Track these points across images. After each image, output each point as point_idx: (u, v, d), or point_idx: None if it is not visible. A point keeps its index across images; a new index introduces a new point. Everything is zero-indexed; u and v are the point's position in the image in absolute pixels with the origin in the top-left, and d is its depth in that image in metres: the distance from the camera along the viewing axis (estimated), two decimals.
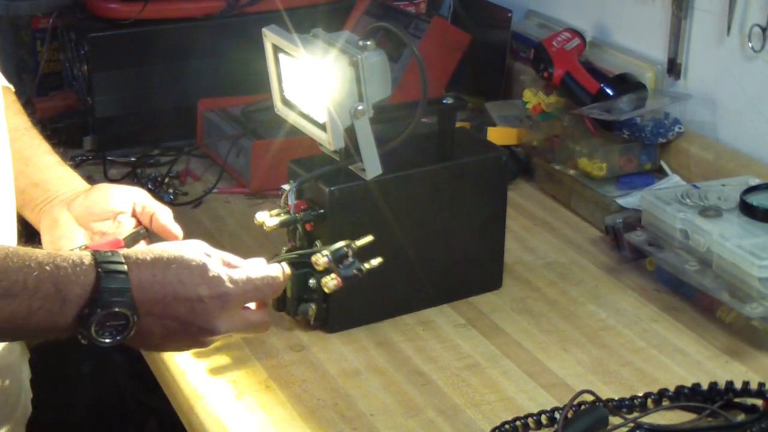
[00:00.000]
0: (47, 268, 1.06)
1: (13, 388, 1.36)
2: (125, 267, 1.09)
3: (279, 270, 1.21)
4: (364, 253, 1.28)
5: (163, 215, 1.40)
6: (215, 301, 1.13)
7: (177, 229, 1.39)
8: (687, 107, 1.77)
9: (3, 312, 1.04)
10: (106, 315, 1.07)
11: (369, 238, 1.29)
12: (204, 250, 1.16)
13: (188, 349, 1.25)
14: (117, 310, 1.07)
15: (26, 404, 1.42)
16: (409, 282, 1.43)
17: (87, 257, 1.08)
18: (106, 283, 1.07)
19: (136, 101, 1.96)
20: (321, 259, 1.26)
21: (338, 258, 1.26)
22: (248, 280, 1.17)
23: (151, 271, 1.10)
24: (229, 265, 1.18)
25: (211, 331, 1.14)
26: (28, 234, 1.40)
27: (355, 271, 1.27)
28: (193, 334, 1.14)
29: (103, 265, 1.08)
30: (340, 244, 1.27)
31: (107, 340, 1.09)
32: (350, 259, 1.27)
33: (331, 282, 1.27)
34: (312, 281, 1.37)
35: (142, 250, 1.13)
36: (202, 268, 1.13)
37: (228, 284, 1.14)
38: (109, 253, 1.10)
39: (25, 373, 1.43)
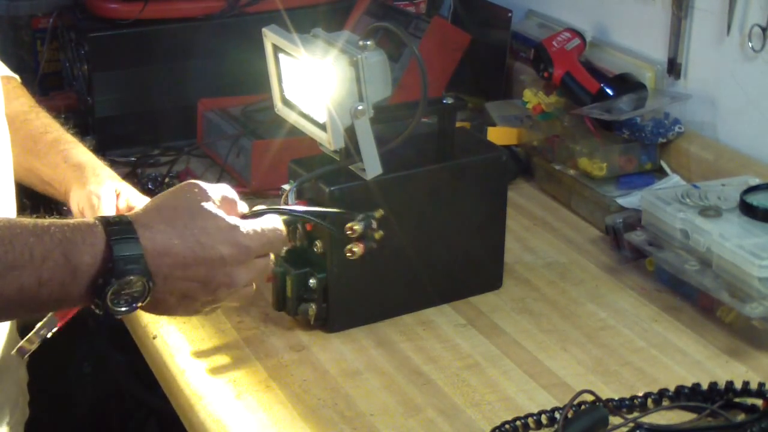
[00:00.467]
0: (56, 236, 1.03)
1: (10, 391, 1.36)
2: (135, 232, 1.06)
3: (279, 221, 1.21)
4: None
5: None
6: (236, 257, 1.13)
7: None
8: (687, 107, 1.77)
9: (11, 285, 1.01)
10: (121, 283, 1.05)
11: (381, 212, 1.35)
12: (206, 192, 1.14)
13: (201, 310, 1.17)
14: (132, 278, 1.05)
15: (24, 407, 1.42)
16: (409, 282, 1.43)
17: (96, 223, 1.06)
18: (119, 251, 1.04)
19: (136, 101, 1.96)
20: (357, 225, 1.33)
21: (367, 227, 1.34)
22: (262, 232, 1.16)
23: (167, 236, 1.08)
24: (231, 205, 1.17)
25: (230, 285, 1.14)
26: (32, 210, 1.39)
27: (373, 244, 1.35)
28: (212, 290, 1.13)
29: (112, 228, 1.05)
30: (363, 215, 1.34)
31: (123, 308, 1.07)
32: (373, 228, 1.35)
33: (356, 248, 1.34)
34: (312, 281, 1.37)
35: (149, 208, 1.11)
36: (219, 224, 1.12)
37: (245, 239, 1.14)
38: (117, 218, 1.07)
39: (23, 376, 1.43)
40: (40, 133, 1.47)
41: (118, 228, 1.06)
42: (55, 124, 1.50)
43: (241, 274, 1.14)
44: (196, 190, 1.14)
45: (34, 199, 1.41)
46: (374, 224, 1.34)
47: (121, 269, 1.04)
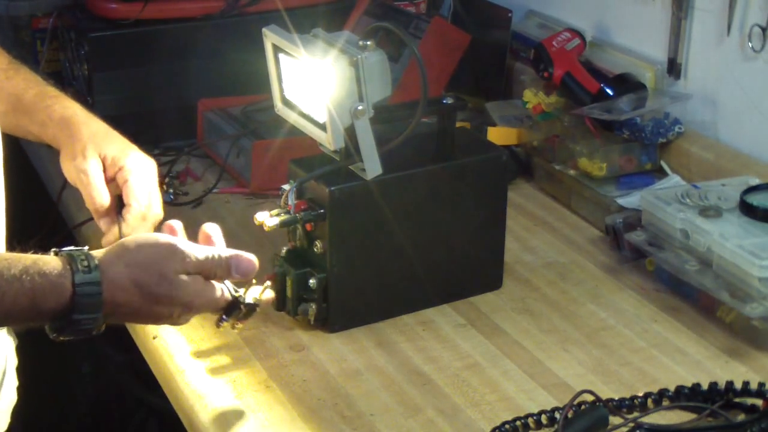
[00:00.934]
0: (26, 284, 1.10)
1: None
2: (101, 289, 1.13)
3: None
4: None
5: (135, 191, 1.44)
6: (183, 315, 1.21)
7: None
8: (687, 107, 1.77)
9: None
10: (82, 319, 1.13)
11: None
12: (182, 261, 1.18)
13: (163, 323, 1.24)
14: (84, 328, 1.13)
15: (11, 391, 1.41)
16: (409, 282, 1.43)
17: (66, 275, 1.12)
18: (80, 310, 1.12)
19: (136, 101, 1.96)
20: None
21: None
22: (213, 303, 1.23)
23: (128, 295, 1.15)
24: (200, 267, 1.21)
25: (189, 306, 1.20)
26: (20, 234, 1.40)
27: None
28: (173, 306, 1.19)
29: (79, 287, 1.12)
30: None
31: (84, 333, 1.15)
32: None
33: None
34: (312, 281, 1.37)
35: (122, 261, 1.16)
36: (179, 294, 1.18)
37: (200, 304, 1.20)
38: (86, 266, 1.13)
39: (10, 360, 1.43)
40: (22, 90, 1.51)
41: (86, 285, 1.12)
42: (36, 79, 1.54)
43: (185, 320, 1.23)
44: (175, 256, 1.19)
45: (21, 227, 1.44)
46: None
47: (78, 322, 1.13)
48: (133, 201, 1.44)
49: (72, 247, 1.16)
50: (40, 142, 1.53)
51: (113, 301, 1.14)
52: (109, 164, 1.46)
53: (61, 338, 1.14)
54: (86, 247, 1.17)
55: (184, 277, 1.18)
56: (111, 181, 1.46)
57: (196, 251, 1.20)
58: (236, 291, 1.25)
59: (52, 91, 1.52)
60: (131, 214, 1.44)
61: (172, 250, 1.18)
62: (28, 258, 1.12)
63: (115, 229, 1.44)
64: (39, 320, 1.13)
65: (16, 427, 1.48)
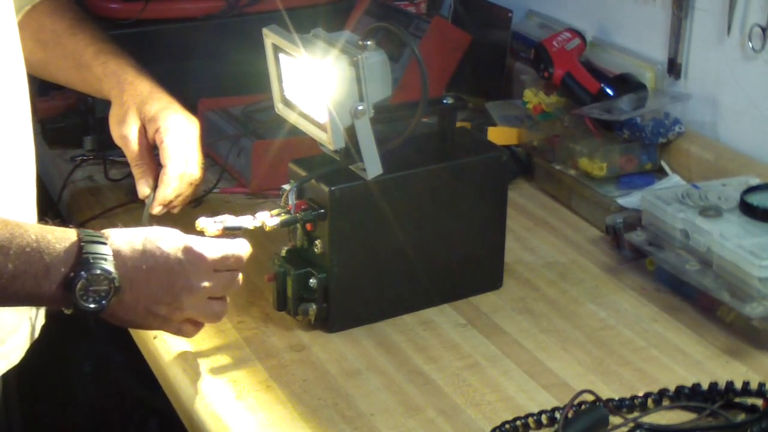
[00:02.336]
0: (32, 235, 1.14)
1: None
2: (104, 239, 1.17)
3: (243, 246, 1.29)
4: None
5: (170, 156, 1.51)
6: (192, 261, 1.23)
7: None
8: (687, 107, 1.77)
9: None
10: (89, 278, 1.14)
11: None
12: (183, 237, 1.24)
13: (170, 318, 1.26)
14: (99, 273, 1.15)
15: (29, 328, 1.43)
16: (409, 282, 1.43)
17: (71, 231, 1.17)
18: (88, 249, 1.15)
19: None
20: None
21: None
22: (219, 246, 1.26)
23: (132, 248, 1.19)
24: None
25: (191, 290, 1.23)
26: (46, 212, 1.44)
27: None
28: (175, 294, 1.22)
29: (84, 236, 1.16)
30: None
31: (92, 305, 1.15)
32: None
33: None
34: (312, 281, 1.37)
35: (125, 236, 1.21)
36: (179, 240, 1.23)
37: (201, 248, 1.24)
38: (90, 232, 1.18)
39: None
40: (83, 47, 1.60)
41: (91, 235, 1.17)
42: (97, 36, 1.63)
43: (201, 280, 1.24)
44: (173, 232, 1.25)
45: (46, 205, 1.46)
46: None
47: (90, 264, 1.15)
48: (168, 161, 1.50)
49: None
50: (101, 96, 1.61)
51: (118, 253, 1.17)
52: (148, 126, 1.53)
53: (81, 302, 1.14)
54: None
55: (198, 267, 1.23)
56: (152, 142, 1.53)
57: (211, 250, 1.25)
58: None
59: (110, 48, 1.61)
60: (167, 175, 1.49)
61: (185, 248, 1.23)
62: (38, 226, 1.18)
63: (148, 184, 1.52)
64: (49, 280, 1.14)
65: (17, 426, 1.48)
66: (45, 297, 1.15)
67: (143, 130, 1.54)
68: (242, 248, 1.29)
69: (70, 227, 1.18)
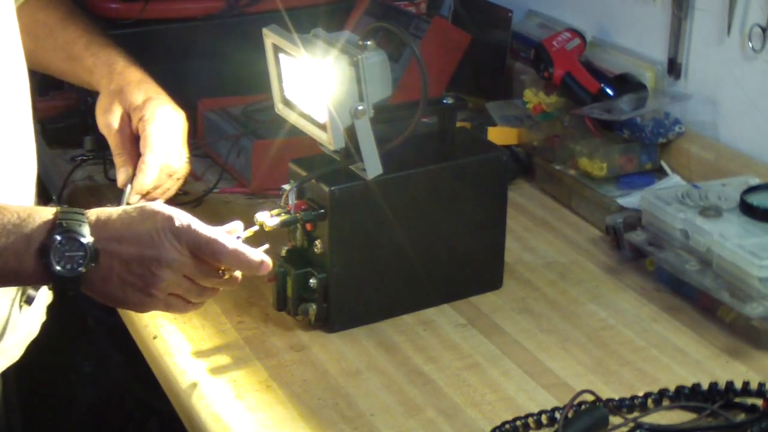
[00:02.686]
0: (12, 214, 1.15)
1: None
2: (82, 210, 1.18)
3: (257, 257, 1.24)
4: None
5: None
6: (166, 235, 1.19)
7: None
8: (687, 107, 1.77)
9: None
10: (63, 240, 1.14)
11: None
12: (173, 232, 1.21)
13: (153, 295, 1.22)
14: (73, 233, 1.15)
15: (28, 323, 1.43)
16: (409, 282, 1.43)
17: (52, 208, 1.18)
18: (64, 216, 1.16)
19: None
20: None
21: None
22: (208, 236, 1.21)
23: (110, 219, 1.18)
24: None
25: (159, 260, 1.18)
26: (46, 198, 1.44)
27: None
28: (144, 263, 1.18)
29: (63, 208, 1.18)
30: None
31: (67, 271, 1.15)
32: None
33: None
34: (312, 281, 1.37)
35: (108, 214, 1.20)
36: (163, 210, 1.20)
37: (182, 223, 1.20)
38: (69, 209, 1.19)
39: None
40: (74, 38, 1.60)
41: (70, 208, 1.18)
42: (89, 28, 1.63)
43: (172, 255, 1.19)
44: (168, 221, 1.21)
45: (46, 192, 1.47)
46: None
47: (63, 227, 1.15)
48: (147, 151, 1.49)
49: None
50: (92, 88, 1.61)
51: (97, 219, 1.17)
52: (133, 114, 1.52)
53: (57, 268, 1.14)
54: None
55: (173, 242, 1.19)
56: (135, 132, 1.52)
57: (196, 227, 1.21)
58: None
59: (101, 40, 1.61)
60: (144, 164, 1.48)
61: (165, 217, 1.20)
62: (19, 206, 1.19)
63: (126, 173, 1.50)
64: (30, 253, 1.14)
65: (17, 426, 1.48)
66: (28, 273, 1.16)
67: (127, 119, 1.53)
68: (249, 258, 1.23)
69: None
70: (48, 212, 1.17)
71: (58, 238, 1.14)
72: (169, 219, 1.19)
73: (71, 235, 1.15)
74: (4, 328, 1.34)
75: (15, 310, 1.35)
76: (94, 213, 1.19)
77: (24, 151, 1.35)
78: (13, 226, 1.15)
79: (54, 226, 1.15)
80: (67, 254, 1.15)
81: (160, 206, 1.21)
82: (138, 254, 1.18)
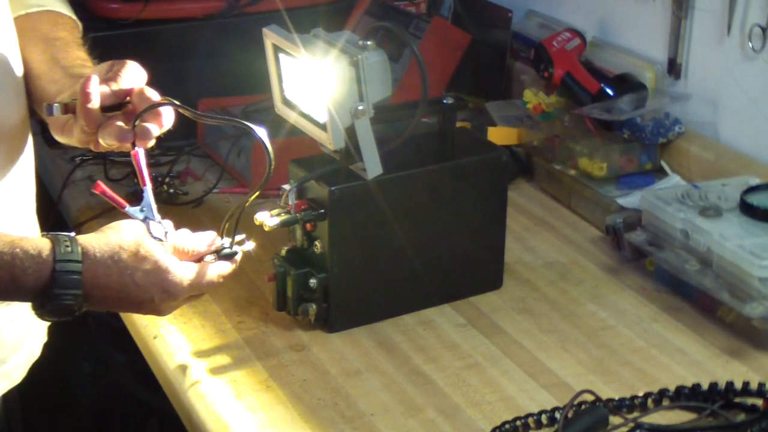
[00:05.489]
0: (5, 257, 1.12)
1: None
2: (80, 267, 1.14)
3: (227, 267, 1.24)
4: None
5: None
6: (165, 299, 1.20)
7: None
8: (687, 107, 1.77)
9: None
10: (55, 306, 1.14)
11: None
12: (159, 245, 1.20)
13: (151, 309, 1.24)
14: (66, 303, 1.14)
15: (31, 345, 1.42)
16: (409, 282, 1.43)
17: (46, 249, 1.13)
18: (60, 285, 1.13)
19: None
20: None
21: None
22: (197, 284, 1.21)
23: (108, 271, 1.16)
24: (182, 253, 1.22)
25: (157, 313, 1.22)
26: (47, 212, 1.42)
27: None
28: (138, 308, 1.21)
29: (59, 264, 1.13)
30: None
31: (54, 318, 1.17)
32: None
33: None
34: (312, 281, 1.37)
35: (102, 241, 1.17)
36: (159, 274, 1.18)
37: (181, 289, 1.19)
38: (68, 246, 1.14)
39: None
40: (60, 58, 1.50)
41: (66, 262, 1.14)
42: (80, 59, 1.52)
43: (169, 309, 1.23)
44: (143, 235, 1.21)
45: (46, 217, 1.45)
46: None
47: (59, 300, 1.14)
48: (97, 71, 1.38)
49: (59, 232, 1.18)
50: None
51: (94, 278, 1.15)
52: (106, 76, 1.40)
53: (45, 317, 1.15)
54: (73, 233, 1.17)
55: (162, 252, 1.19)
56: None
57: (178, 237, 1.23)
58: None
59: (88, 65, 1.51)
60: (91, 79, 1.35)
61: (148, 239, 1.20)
62: (15, 236, 1.15)
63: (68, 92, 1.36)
64: (20, 295, 1.14)
65: (17, 426, 1.48)
66: (14, 300, 1.19)
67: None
68: (225, 270, 1.25)
69: (48, 253, 1.14)
70: (42, 265, 1.13)
71: (49, 305, 1.14)
72: (172, 290, 1.19)
73: (64, 304, 1.14)
74: (8, 352, 1.35)
75: (18, 334, 1.36)
76: (91, 272, 1.15)
77: (22, 152, 1.34)
78: (6, 273, 1.12)
79: (48, 290, 1.13)
80: (64, 296, 1.14)
81: (162, 269, 1.19)
82: (136, 308, 1.22)
